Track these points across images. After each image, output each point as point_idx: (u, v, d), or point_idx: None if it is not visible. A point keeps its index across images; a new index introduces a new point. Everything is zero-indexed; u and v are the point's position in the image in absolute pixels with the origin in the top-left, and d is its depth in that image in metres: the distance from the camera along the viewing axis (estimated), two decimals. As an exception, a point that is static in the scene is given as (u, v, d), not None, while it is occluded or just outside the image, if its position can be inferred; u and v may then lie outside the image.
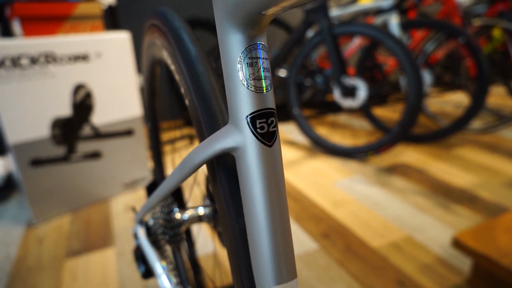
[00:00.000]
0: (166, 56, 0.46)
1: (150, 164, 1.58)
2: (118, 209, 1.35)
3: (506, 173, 1.49)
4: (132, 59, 1.38)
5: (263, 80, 0.25)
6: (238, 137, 0.26)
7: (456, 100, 2.76)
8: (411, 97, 1.51)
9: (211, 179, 0.34)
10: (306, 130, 1.87)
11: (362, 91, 1.64)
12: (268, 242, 0.26)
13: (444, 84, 2.93)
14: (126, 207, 1.36)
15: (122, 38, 1.33)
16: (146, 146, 1.50)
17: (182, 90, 0.39)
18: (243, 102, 0.25)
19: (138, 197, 1.44)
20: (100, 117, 1.33)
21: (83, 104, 1.29)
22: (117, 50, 1.33)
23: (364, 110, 2.08)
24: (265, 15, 0.23)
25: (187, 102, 0.38)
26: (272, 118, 0.26)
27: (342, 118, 2.48)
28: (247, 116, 0.25)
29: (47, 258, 1.08)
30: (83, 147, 1.32)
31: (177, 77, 0.41)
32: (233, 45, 0.24)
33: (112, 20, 1.68)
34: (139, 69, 2.12)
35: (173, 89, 2.35)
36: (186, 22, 0.44)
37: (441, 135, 1.81)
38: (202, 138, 0.34)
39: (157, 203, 0.48)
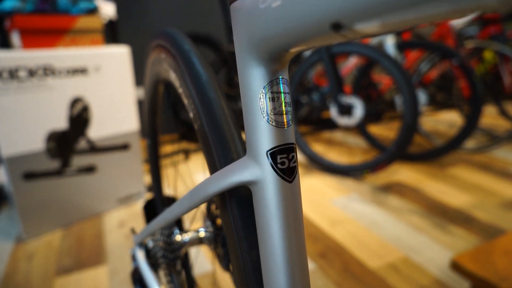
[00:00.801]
0: (174, 78, 0.45)
1: (145, 179, 1.56)
2: (112, 225, 1.32)
3: (500, 193, 1.50)
4: (131, 73, 1.37)
5: (284, 115, 0.24)
6: (257, 171, 0.25)
7: (449, 119, 2.80)
8: (407, 117, 1.53)
9: (221, 208, 0.33)
10: (302, 147, 1.87)
11: (359, 110, 1.66)
12: (285, 280, 0.25)
13: (437, 103, 2.97)
14: (120, 223, 1.33)
15: (121, 52, 1.33)
16: (142, 161, 1.48)
17: (191, 114, 0.39)
18: (264, 137, 0.24)
19: (132, 212, 1.41)
20: (96, 131, 1.32)
21: (79, 118, 1.27)
22: (116, 64, 1.32)
23: (360, 128, 2.09)
24: (289, 52, 0.22)
25: (196, 127, 0.38)
26: (293, 154, 0.25)
27: (338, 135, 2.49)
28: (267, 151, 0.24)
29: (36, 275, 1.05)
30: (78, 161, 1.30)
31: (185, 100, 0.40)
32: (255, 79, 0.24)
33: (112, 34, 1.68)
34: (138, 82, 2.11)
35: (168, 103, 2.34)
36: (194, 44, 0.43)
37: (436, 154, 1.82)
38: (213, 167, 0.33)
39: (160, 228, 0.47)
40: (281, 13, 0.19)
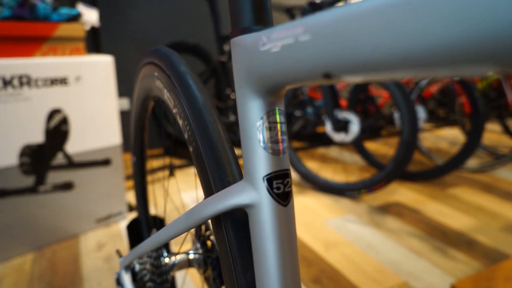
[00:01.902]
0: (167, 97, 0.49)
1: (128, 197, 1.57)
2: (89, 247, 1.33)
3: (504, 216, 1.56)
4: (114, 84, 1.41)
5: (280, 143, 0.29)
6: (254, 195, 0.29)
7: (451, 136, 2.89)
8: (406, 134, 1.59)
9: (215, 229, 0.37)
10: (295, 164, 1.91)
11: (355, 125, 1.71)
12: (279, 300, 0.29)
13: (438, 119, 3.07)
14: (98, 245, 1.34)
15: (104, 62, 1.37)
16: (124, 177, 1.50)
17: (186, 136, 0.43)
18: (261, 163, 0.28)
19: (112, 233, 1.42)
20: (75, 145, 1.34)
21: (57, 130, 1.29)
22: (98, 74, 1.36)
23: (356, 144, 2.15)
24: (285, 87, 0.27)
25: (191, 149, 0.42)
26: (288, 179, 0.29)
27: (333, 151, 2.54)
28: (264, 176, 0.28)
29: (6, 303, 1.05)
30: (54, 177, 1.31)
31: (180, 122, 0.44)
32: (253, 109, 0.28)
33: (94, 42, 1.72)
34: (121, 93, 2.14)
35: (153, 117, 2.38)
36: (190, 67, 0.47)
37: (436, 174, 1.89)
38: (209, 190, 0.37)
39: (151, 250, 0.50)
40: (279, 58, 0.23)
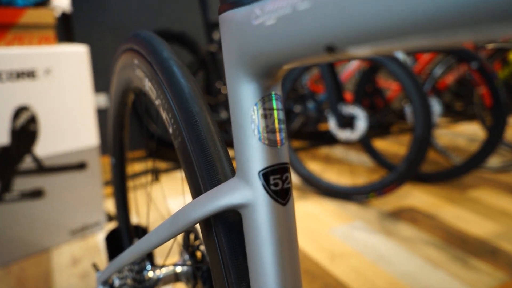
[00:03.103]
0: (149, 87, 0.48)
1: (106, 206, 1.56)
2: (62, 262, 1.32)
3: (529, 220, 1.57)
4: (89, 77, 1.40)
5: (277, 133, 0.28)
6: (248, 193, 0.29)
7: (469, 132, 2.90)
8: (419, 129, 1.59)
9: (205, 235, 0.37)
10: (295, 166, 1.91)
11: (362, 121, 1.72)
12: (279, 313, 0.28)
13: (455, 114, 3.08)
14: (73, 260, 1.33)
15: (77, 52, 1.36)
16: (102, 183, 1.49)
17: (171, 130, 0.42)
18: (255, 156, 0.28)
19: (88, 247, 1.41)
20: (45, 147, 1.33)
21: (24, 131, 1.28)
22: (71, 66, 1.35)
23: (364, 143, 2.16)
24: (283, 68, 0.26)
25: (176, 144, 0.41)
26: (287, 174, 0.29)
27: (337, 151, 2.55)
28: (259, 172, 0.28)
29: (-32, 327, 1.04)
30: (22, 183, 1.30)
31: (164, 114, 0.44)
32: (246, 95, 0.28)
33: (66, 30, 1.71)
34: (97, 88, 2.13)
35: (134, 114, 2.37)
36: (174, 52, 0.47)
37: (454, 174, 1.89)
38: (197, 190, 0.36)
39: (131, 261, 0.49)
40: (275, 32, 0.23)
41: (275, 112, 0.28)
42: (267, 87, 0.28)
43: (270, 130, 0.28)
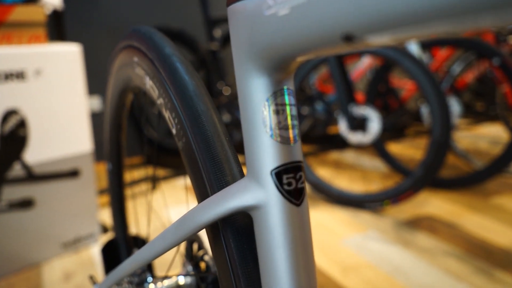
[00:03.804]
0: (150, 86, 0.49)
1: (100, 217, 1.57)
2: (53, 277, 1.33)
3: (558, 228, 1.57)
4: (82, 78, 1.41)
5: (290, 130, 0.29)
6: (260, 194, 0.29)
7: (492, 134, 2.90)
8: (436, 131, 1.59)
9: (212, 240, 0.37)
10: (304, 172, 1.91)
11: (374, 123, 1.72)
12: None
13: (476, 114, 3.08)
14: (65, 275, 1.34)
15: (69, 52, 1.37)
16: (96, 192, 1.50)
17: (174, 130, 0.43)
18: (267, 155, 0.28)
19: (81, 261, 1.42)
20: (36, 153, 1.34)
21: (13, 136, 1.29)
22: (63, 67, 1.36)
23: (377, 146, 2.16)
24: (296, 60, 0.27)
25: (180, 145, 0.42)
26: (301, 173, 0.29)
27: (349, 156, 2.55)
28: (272, 171, 0.29)
29: None
30: (10, 193, 1.31)
31: (167, 114, 0.45)
32: (256, 90, 0.28)
33: (57, 28, 1.73)
34: (91, 90, 2.15)
35: (132, 118, 2.38)
36: (177, 48, 0.48)
37: (476, 179, 1.89)
38: (203, 194, 0.37)
39: (131, 273, 0.50)
40: (289, 22, 0.23)
41: (288, 108, 0.29)
42: (279, 81, 0.28)
43: (282, 126, 0.29)
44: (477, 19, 0.16)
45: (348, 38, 0.21)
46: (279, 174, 0.29)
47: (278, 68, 0.28)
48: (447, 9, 0.16)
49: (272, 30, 0.25)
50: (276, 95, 0.28)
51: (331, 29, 0.21)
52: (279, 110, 0.28)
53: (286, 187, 0.29)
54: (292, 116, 0.29)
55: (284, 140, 0.29)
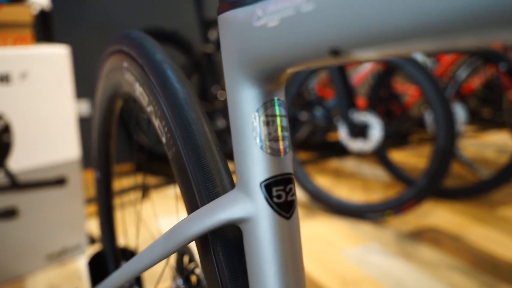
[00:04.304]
0: (139, 93, 0.50)
1: (88, 227, 1.57)
2: (38, 291, 1.33)
3: None
4: (70, 82, 1.42)
5: (280, 142, 0.30)
6: (249, 206, 0.30)
7: (498, 142, 2.91)
8: (441, 139, 1.60)
9: (202, 254, 0.38)
10: (302, 180, 1.92)
11: (376, 130, 1.73)
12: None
13: (482, 121, 3.09)
14: (50, 289, 1.34)
15: (57, 54, 1.38)
16: (84, 201, 1.50)
17: (164, 139, 0.44)
18: (257, 166, 0.29)
19: (67, 273, 1.42)
20: (20, 160, 1.34)
21: (-3, 142, 1.30)
22: (50, 70, 1.37)
23: (379, 154, 2.17)
24: (286, 72, 0.28)
25: (170, 154, 0.43)
26: (291, 185, 0.30)
27: (349, 164, 2.56)
28: (261, 183, 0.30)
29: None
30: (-7, 202, 1.31)
31: (156, 122, 0.46)
32: (246, 100, 0.29)
33: (45, 29, 1.74)
34: (79, 94, 2.15)
35: (121, 123, 2.38)
36: (168, 54, 0.49)
37: (482, 189, 1.90)
38: (193, 205, 0.38)
39: (119, 286, 0.51)
40: (278, 34, 0.25)
41: (278, 119, 0.30)
42: (269, 92, 0.30)
43: (272, 138, 0.30)
44: (459, 37, 0.17)
45: (335, 52, 0.22)
46: (268, 187, 0.30)
47: (268, 79, 0.29)
48: (429, 27, 0.17)
49: (262, 41, 0.26)
50: (266, 106, 0.30)
51: (318, 43, 0.22)
52: (269, 121, 0.30)
53: (275, 199, 0.30)
54: (282, 127, 0.30)
55: (274, 152, 0.30)
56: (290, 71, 0.28)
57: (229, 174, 0.38)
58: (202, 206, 0.37)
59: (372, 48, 0.20)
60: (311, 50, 0.23)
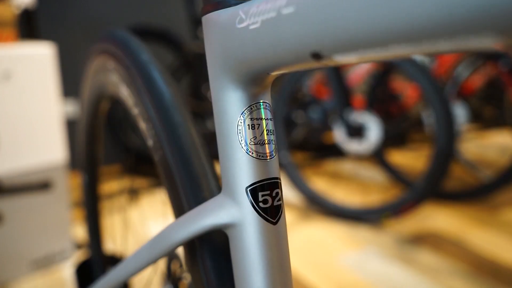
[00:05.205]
0: (126, 95, 0.51)
1: (74, 232, 1.57)
2: (23, 300, 1.32)
3: None
4: (55, 82, 1.42)
5: (266, 145, 0.30)
6: (235, 211, 0.31)
7: (500, 143, 2.92)
8: (440, 139, 1.61)
9: (189, 260, 0.39)
10: (297, 183, 1.93)
11: (374, 131, 1.74)
12: None
13: (483, 121, 3.11)
14: (35, 297, 1.33)
15: (42, 53, 1.38)
16: (69, 205, 1.50)
17: (150, 142, 0.44)
18: (242, 171, 0.30)
19: (53, 280, 1.42)
20: (3, 164, 1.34)
21: (-21, 145, 1.30)
22: (35, 70, 1.37)
23: (377, 156, 2.18)
24: (270, 75, 0.29)
25: (156, 158, 0.43)
26: (277, 190, 0.31)
27: (346, 166, 2.56)
28: (247, 188, 0.30)
29: None
30: (-24, 207, 1.31)
31: (142, 125, 0.46)
32: (231, 104, 0.30)
33: (29, 28, 1.74)
34: (66, 93, 2.15)
35: (108, 123, 2.38)
36: (154, 55, 0.49)
37: (483, 192, 1.91)
38: (179, 209, 0.38)
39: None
40: (260, 37, 0.25)
41: (264, 122, 0.30)
42: (254, 95, 0.30)
43: (258, 141, 0.30)
44: (438, 42, 0.18)
45: (316, 56, 0.22)
46: (254, 191, 0.30)
47: (253, 82, 0.29)
48: (408, 33, 0.18)
49: (245, 43, 0.27)
50: (252, 109, 0.30)
51: (299, 46, 0.23)
52: (255, 125, 0.30)
53: (261, 204, 0.30)
54: (268, 130, 0.30)
55: (260, 156, 0.30)
56: (274, 74, 0.28)
57: (215, 178, 0.39)
58: (189, 210, 0.38)
59: (353, 53, 0.21)
60: (293, 53, 0.24)
